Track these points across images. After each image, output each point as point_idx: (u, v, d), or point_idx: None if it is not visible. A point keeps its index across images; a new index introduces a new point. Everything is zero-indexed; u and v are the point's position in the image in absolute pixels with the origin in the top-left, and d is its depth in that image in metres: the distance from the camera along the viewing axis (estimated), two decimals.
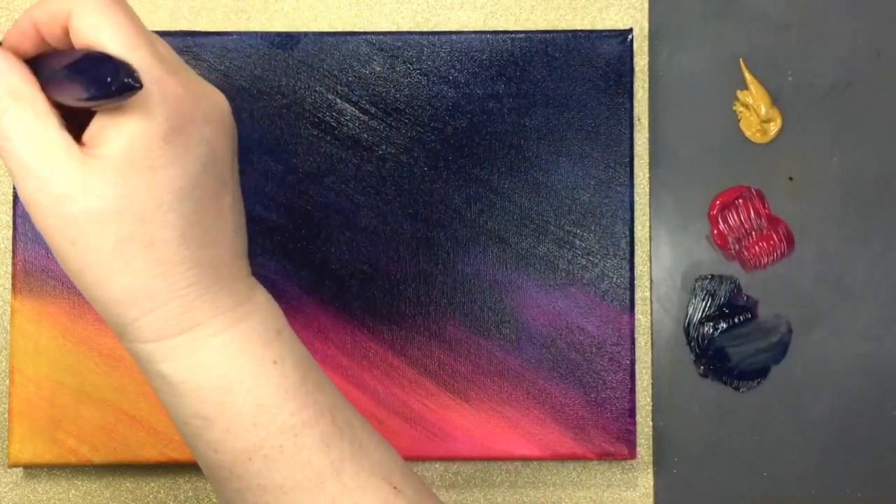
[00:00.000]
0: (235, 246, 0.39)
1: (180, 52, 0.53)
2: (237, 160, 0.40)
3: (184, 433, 0.39)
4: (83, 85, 0.35)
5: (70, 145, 0.35)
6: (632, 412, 0.53)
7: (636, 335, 0.54)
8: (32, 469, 0.53)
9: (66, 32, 0.36)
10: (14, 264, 0.52)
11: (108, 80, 0.34)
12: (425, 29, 0.55)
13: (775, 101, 0.55)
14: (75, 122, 0.36)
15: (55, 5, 0.36)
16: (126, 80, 0.34)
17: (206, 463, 0.39)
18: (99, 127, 0.36)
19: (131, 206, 0.35)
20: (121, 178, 0.35)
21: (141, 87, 0.34)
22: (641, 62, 0.55)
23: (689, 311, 0.55)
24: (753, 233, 0.55)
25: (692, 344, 0.55)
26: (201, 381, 0.37)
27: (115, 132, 0.35)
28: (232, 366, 0.37)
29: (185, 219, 0.36)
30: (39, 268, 0.52)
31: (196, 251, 0.37)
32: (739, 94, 0.55)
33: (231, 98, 0.53)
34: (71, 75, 0.36)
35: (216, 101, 0.38)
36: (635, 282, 0.54)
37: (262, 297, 0.39)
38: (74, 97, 0.35)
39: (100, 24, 0.35)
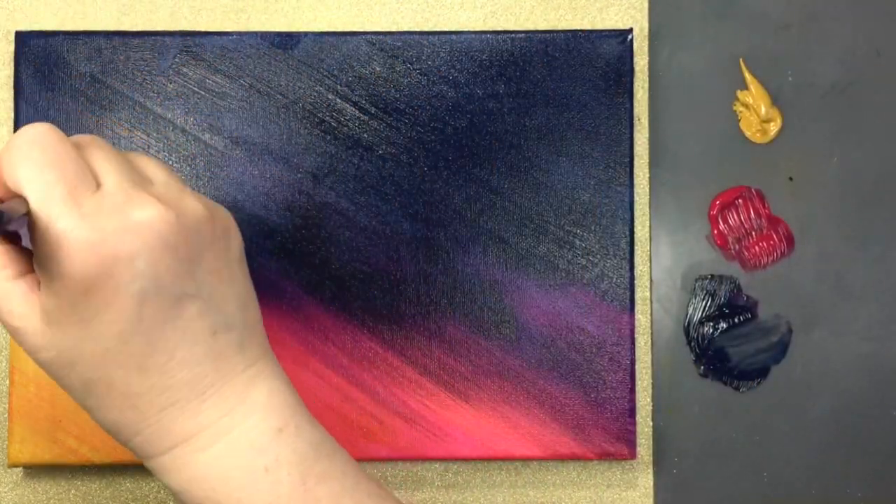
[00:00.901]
0: (218, 349, 0.38)
1: (180, 51, 0.53)
2: (228, 249, 0.39)
3: None
4: None
5: (27, 295, 0.36)
6: (632, 412, 0.53)
7: (636, 335, 0.54)
8: (32, 469, 0.53)
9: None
10: None
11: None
12: (425, 29, 0.55)
13: (775, 101, 0.55)
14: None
15: None
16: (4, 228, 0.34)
17: None
18: (39, 281, 0.36)
19: (81, 356, 0.36)
20: (62, 333, 0.36)
21: (13, 234, 0.35)
22: (641, 62, 0.55)
23: (689, 311, 0.55)
24: (753, 233, 0.55)
25: (692, 344, 0.55)
26: (196, 494, 0.38)
27: (43, 288, 0.36)
28: (220, 480, 0.37)
29: (137, 354, 0.36)
30: None
31: (162, 377, 0.37)
32: (739, 94, 0.55)
33: (232, 98, 0.53)
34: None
35: (150, 224, 0.35)
36: (635, 282, 0.54)
37: (260, 393, 0.38)
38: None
39: (15, 171, 0.35)
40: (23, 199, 0.35)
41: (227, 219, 0.39)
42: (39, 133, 0.36)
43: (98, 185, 0.36)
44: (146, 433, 0.37)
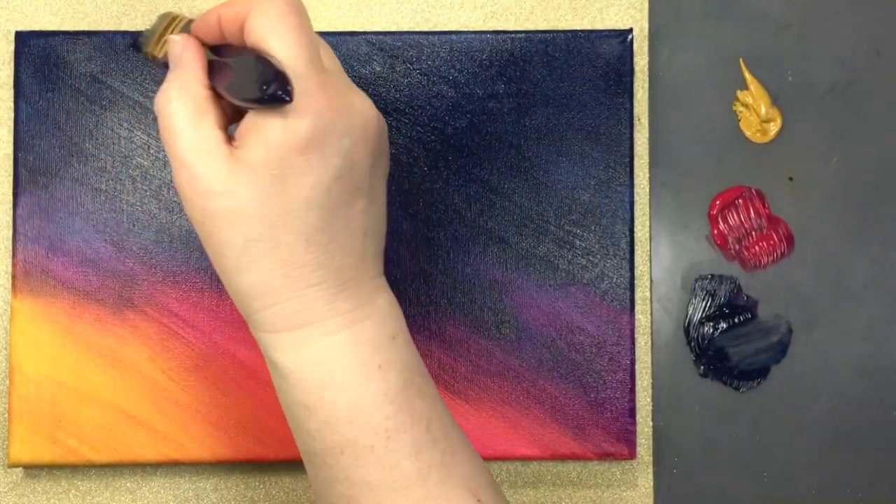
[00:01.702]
0: (364, 249, 0.40)
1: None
2: (384, 165, 0.41)
3: (287, 416, 0.41)
4: (240, 85, 0.38)
5: (220, 144, 0.38)
6: (632, 412, 0.53)
7: (636, 335, 0.54)
8: (32, 469, 0.53)
9: (243, 31, 0.39)
10: (14, 264, 0.52)
11: (264, 87, 0.37)
12: (425, 29, 0.55)
13: (775, 101, 0.55)
14: (239, 115, 0.39)
15: (239, 5, 0.38)
16: (278, 91, 0.36)
17: (303, 447, 0.41)
18: (246, 128, 0.38)
19: (261, 210, 0.38)
20: (255, 184, 0.37)
21: (290, 100, 0.36)
22: (641, 62, 0.55)
23: (689, 311, 0.55)
24: (753, 233, 0.55)
25: (692, 344, 0.55)
26: (307, 375, 0.39)
27: (256, 138, 0.38)
28: (337, 366, 0.39)
29: (311, 225, 0.38)
30: (39, 268, 0.52)
31: (320, 255, 0.39)
32: (739, 94, 0.55)
33: None
34: (232, 73, 0.38)
35: (360, 112, 0.39)
36: (635, 282, 0.54)
37: (383, 300, 0.41)
38: (231, 94, 0.38)
39: (270, 28, 0.37)
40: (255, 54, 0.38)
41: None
42: (296, 1, 0.38)
43: (321, 63, 0.39)
44: (285, 304, 0.39)
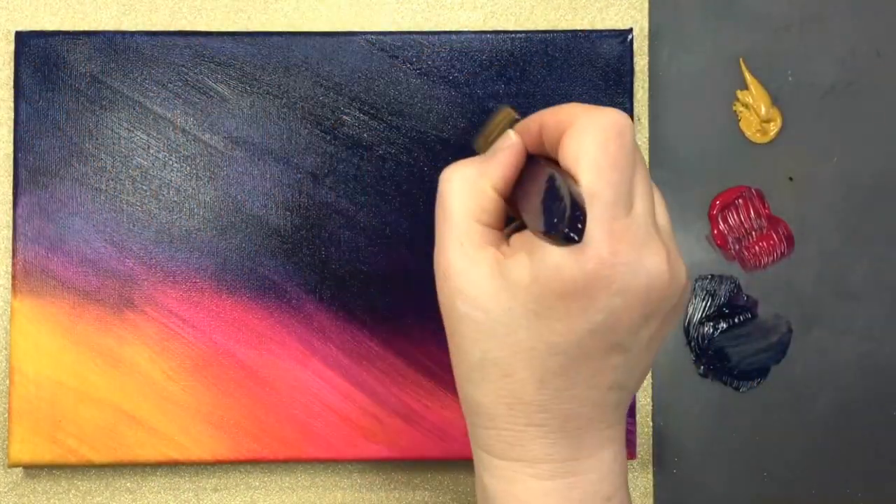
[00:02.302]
0: (605, 401, 0.37)
1: (181, 51, 0.53)
2: (669, 322, 0.38)
3: None
4: (533, 203, 0.35)
5: (487, 248, 0.36)
6: (632, 412, 0.53)
7: None
8: (32, 469, 0.53)
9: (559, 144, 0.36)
10: (14, 264, 0.52)
11: (555, 220, 0.34)
12: (425, 29, 0.55)
13: (775, 101, 0.55)
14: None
15: (564, 115, 0.36)
16: (566, 229, 0.34)
17: None
18: (521, 242, 0.36)
19: (506, 336, 0.36)
20: (507, 308, 0.35)
21: (578, 242, 0.34)
22: (641, 62, 0.55)
23: (689, 311, 0.55)
24: (753, 233, 0.55)
25: (692, 344, 0.55)
26: None
27: (526, 261, 0.35)
28: None
29: (550, 369, 0.36)
30: (39, 268, 0.52)
31: (550, 398, 0.36)
32: (739, 94, 0.55)
33: (232, 98, 0.53)
34: (530, 187, 0.36)
35: (648, 273, 0.35)
36: None
37: (609, 454, 0.38)
38: (520, 208, 0.36)
39: (585, 154, 0.35)
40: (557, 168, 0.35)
41: (688, 293, 0.38)
42: (625, 126, 0.35)
43: (631, 206, 0.35)
44: (503, 433, 0.37)
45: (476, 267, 0.36)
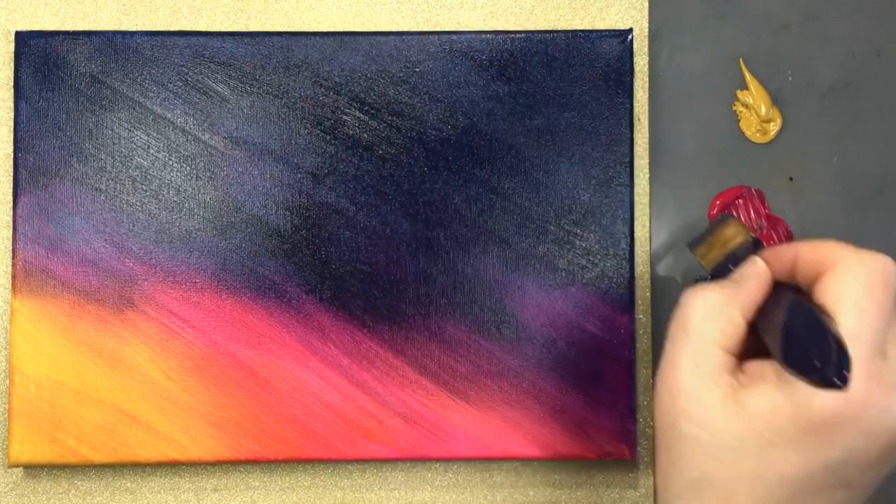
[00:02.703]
0: None
1: (181, 51, 0.53)
2: (892, 468, 0.37)
3: None
4: (787, 343, 0.35)
5: (724, 375, 0.36)
6: (632, 412, 0.53)
7: (636, 335, 0.54)
8: (32, 469, 0.53)
9: (817, 279, 0.36)
10: (14, 264, 0.52)
11: (815, 362, 0.34)
12: (425, 29, 0.55)
13: (775, 101, 0.55)
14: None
15: (825, 254, 0.36)
16: (831, 375, 0.33)
17: None
18: (762, 372, 0.36)
19: (734, 463, 0.36)
20: (738, 434, 0.35)
21: (844, 387, 0.33)
22: (641, 62, 0.55)
23: None
24: (753, 233, 0.55)
25: None
26: None
27: (768, 392, 0.35)
28: None
29: (773, 498, 0.36)
30: (39, 268, 0.52)
31: None
32: (739, 94, 0.55)
33: (232, 98, 0.53)
34: (782, 319, 0.35)
35: (887, 423, 0.35)
36: (635, 282, 0.54)
37: None
38: (772, 343, 0.35)
39: (851, 298, 0.35)
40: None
41: None
42: (893, 273, 0.36)
43: (885, 352, 0.36)
44: None
45: (709, 392, 0.36)
